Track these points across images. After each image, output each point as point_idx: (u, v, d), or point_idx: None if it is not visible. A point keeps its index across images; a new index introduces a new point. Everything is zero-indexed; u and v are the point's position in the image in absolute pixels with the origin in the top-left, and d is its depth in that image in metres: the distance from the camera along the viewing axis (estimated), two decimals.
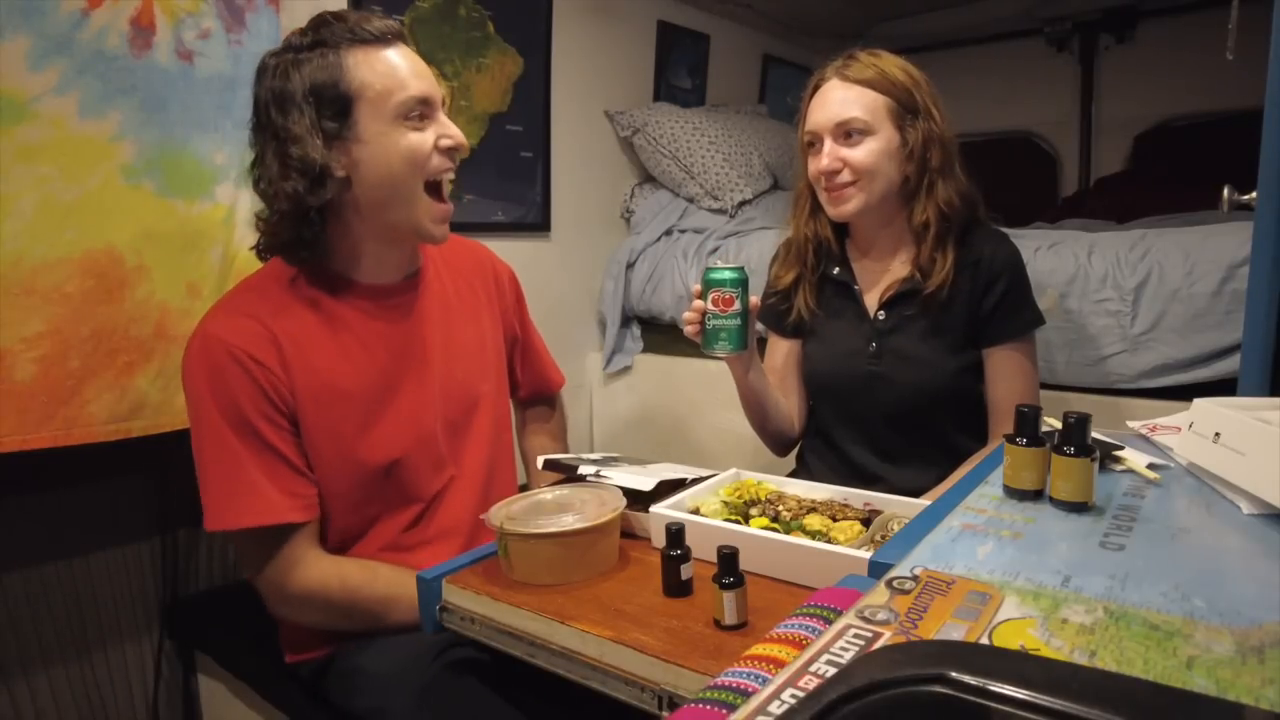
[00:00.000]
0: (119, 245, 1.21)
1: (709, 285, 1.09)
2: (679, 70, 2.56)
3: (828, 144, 1.21)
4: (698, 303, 1.11)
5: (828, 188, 1.23)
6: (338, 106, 0.94)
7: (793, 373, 1.39)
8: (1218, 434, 0.71)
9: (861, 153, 1.19)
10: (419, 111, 0.97)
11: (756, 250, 2.01)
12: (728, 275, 1.09)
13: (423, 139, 0.97)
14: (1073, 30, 2.86)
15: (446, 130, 1.00)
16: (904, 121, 1.20)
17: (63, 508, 1.33)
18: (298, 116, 0.94)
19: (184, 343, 1.26)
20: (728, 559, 0.71)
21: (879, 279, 1.29)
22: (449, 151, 1.00)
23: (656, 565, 0.79)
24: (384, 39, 0.97)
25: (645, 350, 2.29)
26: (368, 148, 0.96)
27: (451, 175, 1.03)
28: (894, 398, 1.24)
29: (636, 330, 2.31)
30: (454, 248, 1.20)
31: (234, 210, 1.34)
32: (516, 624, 0.77)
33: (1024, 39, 2.93)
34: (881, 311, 1.27)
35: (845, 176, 1.20)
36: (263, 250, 1.03)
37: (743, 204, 2.31)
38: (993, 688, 0.34)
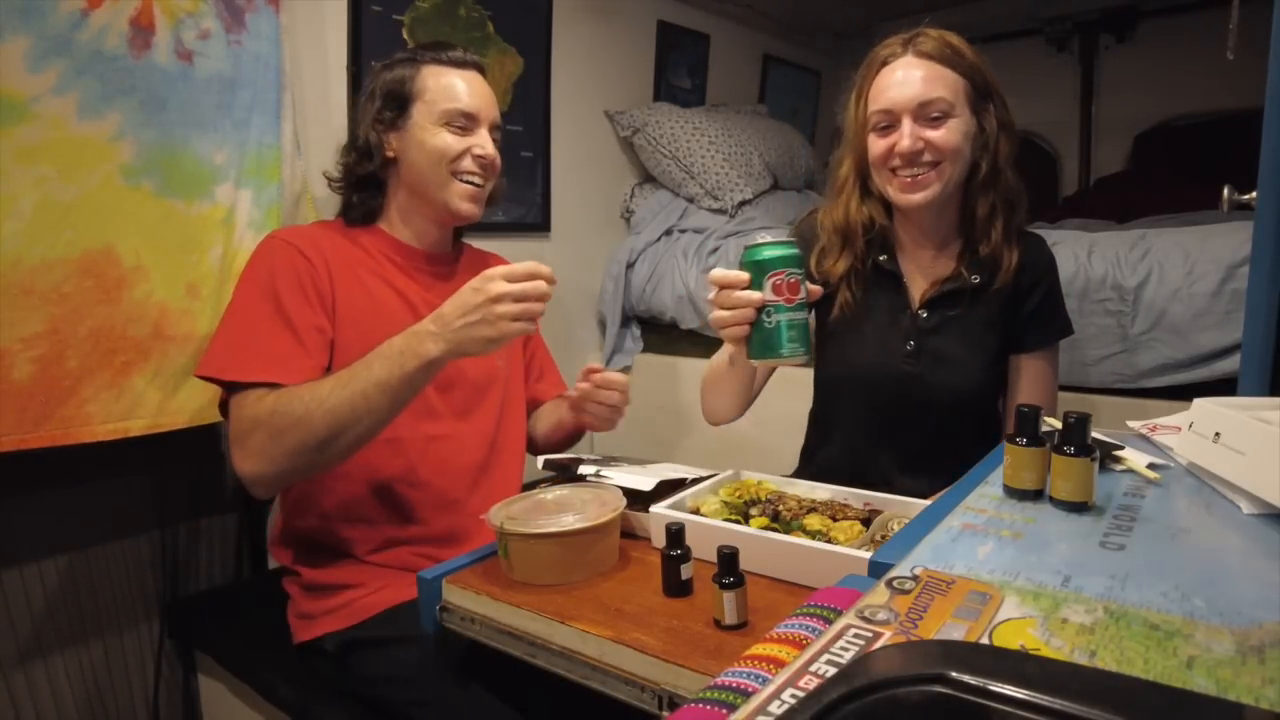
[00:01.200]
0: (118, 245, 1.21)
1: (767, 266, 0.86)
2: (679, 70, 2.56)
3: (908, 124, 1.10)
4: (747, 295, 0.87)
5: (902, 170, 1.12)
6: (400, 101, 1.18)
7: None
8: (1218, 434, 0.71)
9: (945, 133, 1.10)
10: (461, 122, 1.18)
11: None
12: (791, 251, 0.87)
13: (457, 142, 1.18)
14: (1073, 30, 2.86)
15: (482, 143, 1.20)
16: (979, 106, 1.13)
17: (62, 507, 1.33)
18: (368, 105, 1.20)
19: (183, 343, 1.28)
20: (728, 559, 0.71)
21: (924, 273, 1.22)
22: (478, 160, 1.19)
23: (656, 565, 0.79)
24: (459, 64, 1.20)
25: (645, 350, 2.29)
26: (413, 137, 1.18)
27: (478, 181, 1.21)
28: (924, 400, 1.19)
29: (636, 330, 2.31)
30: (485, 256, 1.39)
31: (234, 210, 1.34)
32: (516, 624, 0.77)
33: (1024, 39, 2.93)
34: (924, 310, 1.20)
35: (926, 159, 1.11)
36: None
37: (743, 204, 2.31)
38: (993, 688, 0.34)
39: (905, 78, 1.11)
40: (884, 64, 1.14)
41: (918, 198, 1.13)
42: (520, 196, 2.06)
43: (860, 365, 1.23)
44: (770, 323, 0.86)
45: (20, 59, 1.09)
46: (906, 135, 1.10)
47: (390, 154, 1.19)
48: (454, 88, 1.18)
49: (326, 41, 1.59)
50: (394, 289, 1.19)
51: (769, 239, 0.88)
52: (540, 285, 0.95)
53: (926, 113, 1.10)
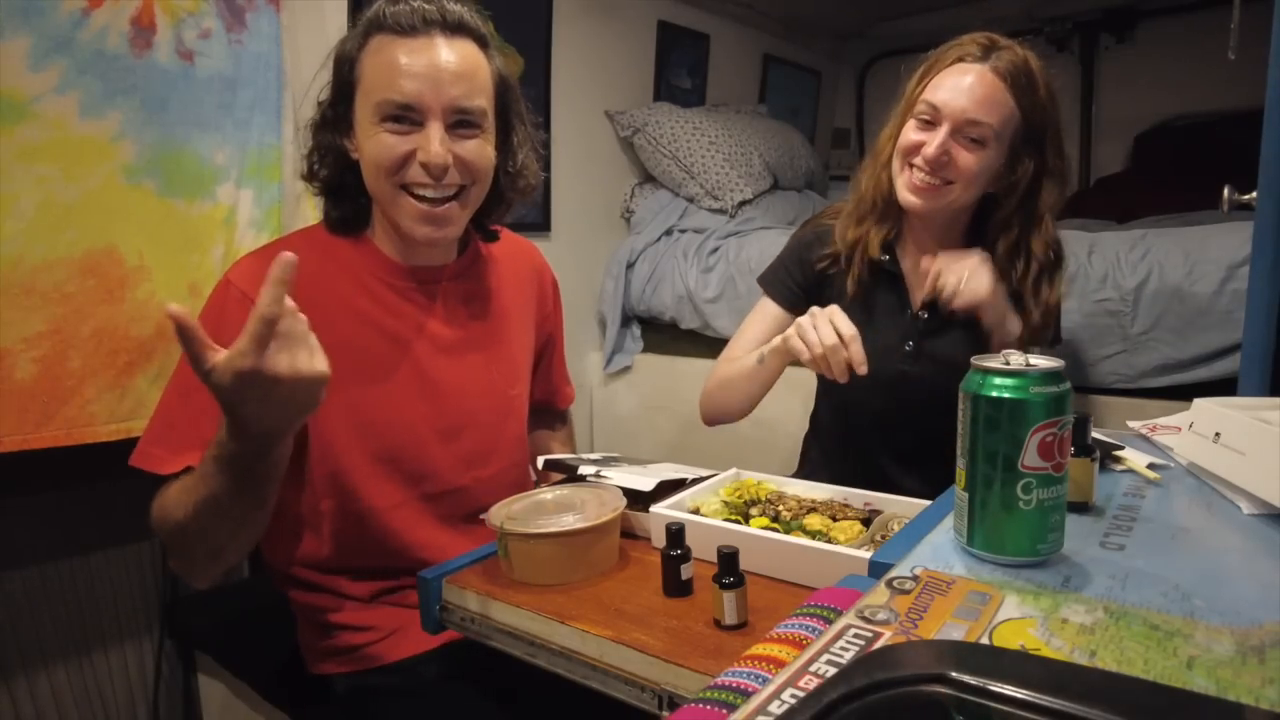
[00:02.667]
0: (120, 245, 1.21)
1: (1034, 412, 0.55)
2: (679, 70, 2.56)
3: (944, 132, 1.08)
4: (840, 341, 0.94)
5: (918, 170, 1.12)
6: (345, 91, 0.94)
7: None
8: (1218, 434, 0.71)
9: (970, 160, 1.09)
10: (396, 115, 0.89)
11: (757, 250, 2.01)
12: (1067, 388, 0.56)
13: (394, 144, 0.90)
14: (1073, 30, 2.86)
15: (425, 145, 0.89)
16: (1021, 147, 1.11)
17: (63, 508, 1.33)
18: (327, 94, 0.96)
19: None
20: (728, 559, 0.71)
21: (924, 276, 1.20)
22: (426, 168, 0.90)
23: (656, 565, 0.79)
24: (408, 30, 0.90)
25: (645, 350, 2.29)
26: (357, 139, 0.95)
27: (433, 193, 0.92)
28: (921, 401, 1.17)
29: (637, 330, 2.31)
30: (509, 246, 1.17)
31: (235, 210, 1.34)
32: (516, 624, 0.77)
33: (1024, 39, 2.93)
34: (924, 311, 1.19)
35: (943, 174, 1.10)
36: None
37: (743, 204, 2.31)
38: (993, 688, 0.34)
39: (968, 86, 1.08)
40: (958, 60, 1.10)
41: (919, 202, 1.12)
42: None
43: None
44: (1028, 502, 0.55)
45: (21, 58, 1.09)
46: (936, 143, 1.08)
47: (355, 155, 0.95)
48: (392, 69, 0.88)
49: (327, 41, 1.59)
50: (371, 321, 0.98)
51: (1033, 364, 0.57)
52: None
53: (968, 131, 1.08)
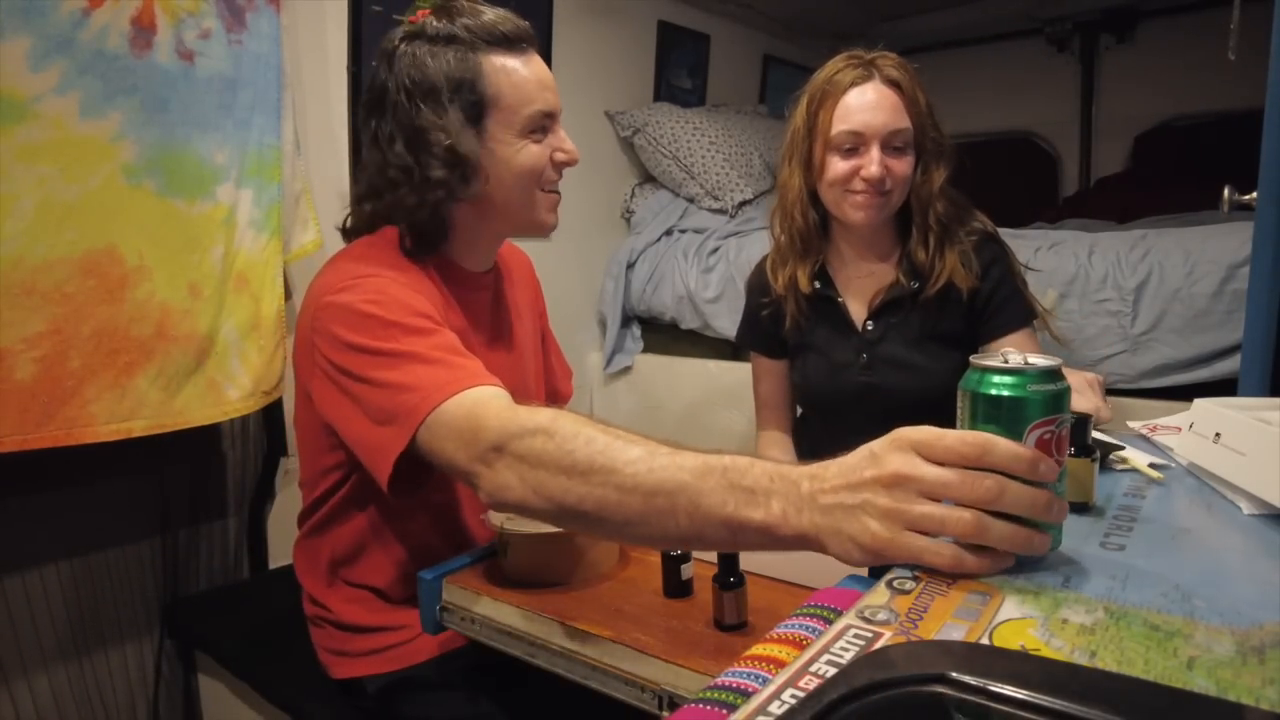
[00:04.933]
0: (120, 245, 1.21)
1: (1030, 410, 0.53)
2: (679, 70, 2.56)
3: (876, 151, 1.14)
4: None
5: (863, 194, 1.16)
6: (474, 110, 0.96)
7: (786, 394, 1.37)
8: (1218, 434, 0.71)
9: (904, 165, 1.16)
10: (542, 125, 1.00)
11: (759, 250, 2.01)
12: (1064, 386, 0.55)
13: (540, 153, 1.00)
14: (1073, 30, 2.87)
15: (563, 146, 1.02)
16: (920, 139, 1.18)
17: (63, 508, 1.33)
18: (445, 108, 0.95)
19: (184, 343, 1.27)
20: (728, 559, 0.71)
21: (864, 286, 1.25)
22: (562, 165, 1.03)
23: (656, 565, 0.79)
24: (518, 48, 0.98)
25: (645, 350, 2.29)
26: (494, 155, 0.98)
27: (555, 186, 1.05)
28: (890, 406, 1.20)
29: (637, 330, 2.31)
30: (509, 250, 1.23)
31: (235, 210, 1.34)
32: (516, 624, 0.77)
33: (1024, 39, 2.94)
34: (870, 322, 1.24)
35: (886, 186, 1.16)
36: (350, 230, 1.06)
37: (743, 204, 2.31)
38: (993, 688, 0.34)
39: (877, 103, 1.14)
40: (852, 85, 1.15)
41: (866, 219, 1.17)
42: None
43: (821, 383, 1.28)
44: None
45: (22, 58, 1.09)
46: (875, 162, 1.13)
47: (484, 176, 0.98)
48: (527, 86, 0.97)
49: (327, 41, 1.60)
50: (452, 320, 1.00)
51: (1031, 362, 0.55)
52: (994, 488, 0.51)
53: (892, 141, 1.14)
